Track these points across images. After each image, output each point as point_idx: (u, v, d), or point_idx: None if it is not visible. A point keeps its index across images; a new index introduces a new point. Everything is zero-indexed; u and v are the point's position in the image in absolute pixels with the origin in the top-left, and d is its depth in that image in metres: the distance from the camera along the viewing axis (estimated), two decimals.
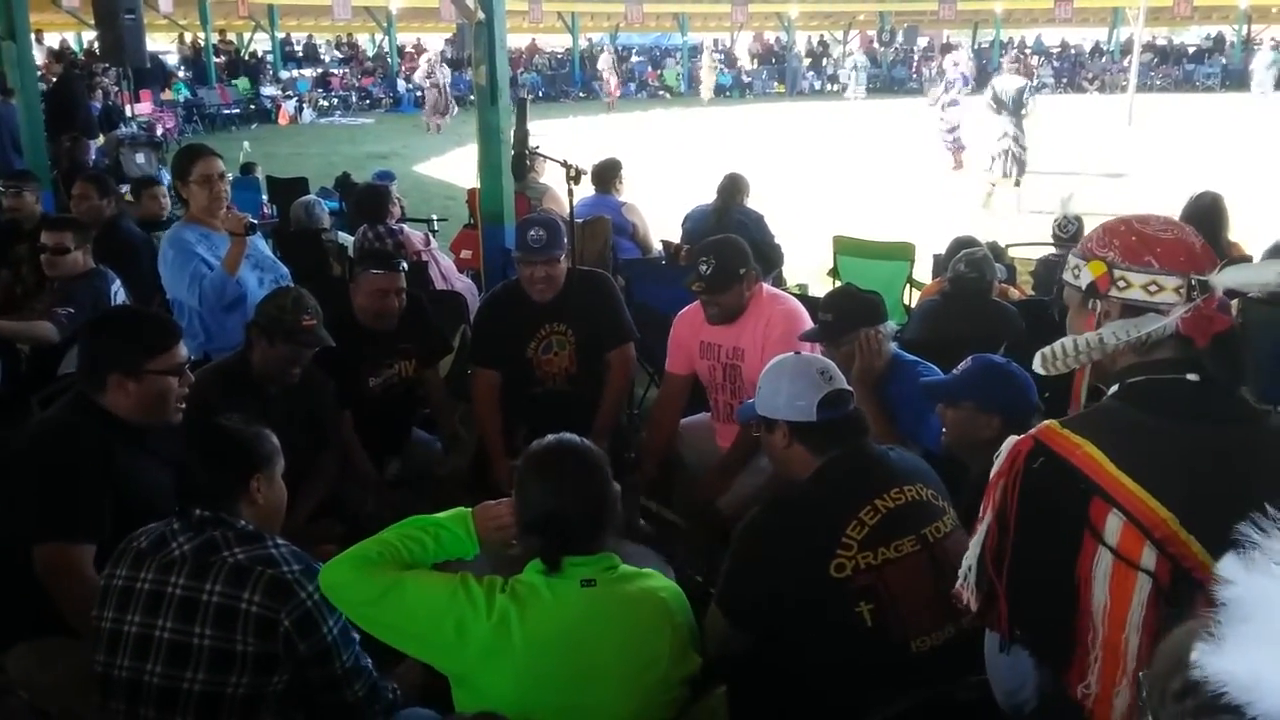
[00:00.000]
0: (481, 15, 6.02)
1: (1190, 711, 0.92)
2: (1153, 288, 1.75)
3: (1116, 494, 1.66)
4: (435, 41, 36.46)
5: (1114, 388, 1.84)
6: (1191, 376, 1.75)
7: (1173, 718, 0.94)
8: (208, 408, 2.91)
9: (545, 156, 5.19)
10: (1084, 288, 1.82)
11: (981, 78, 19.17)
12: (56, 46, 25.15)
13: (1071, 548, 1.70)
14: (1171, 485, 1.66)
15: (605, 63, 31.48)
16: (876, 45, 36.72)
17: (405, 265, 4.26)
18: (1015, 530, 1.74)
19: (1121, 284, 1.77)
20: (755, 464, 3.74)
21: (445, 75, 24.24)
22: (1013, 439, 1.80)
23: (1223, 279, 1.73)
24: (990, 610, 1.79)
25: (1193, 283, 1.73)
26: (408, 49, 34.95)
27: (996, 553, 1.76)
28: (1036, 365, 1.89)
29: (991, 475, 1.80)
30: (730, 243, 3.95)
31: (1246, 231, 6.62)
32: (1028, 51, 38.35)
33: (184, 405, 2.90)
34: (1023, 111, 12.54)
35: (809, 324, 3.81)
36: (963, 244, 5.09)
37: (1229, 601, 0.89)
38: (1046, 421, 1.79)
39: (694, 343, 4.04)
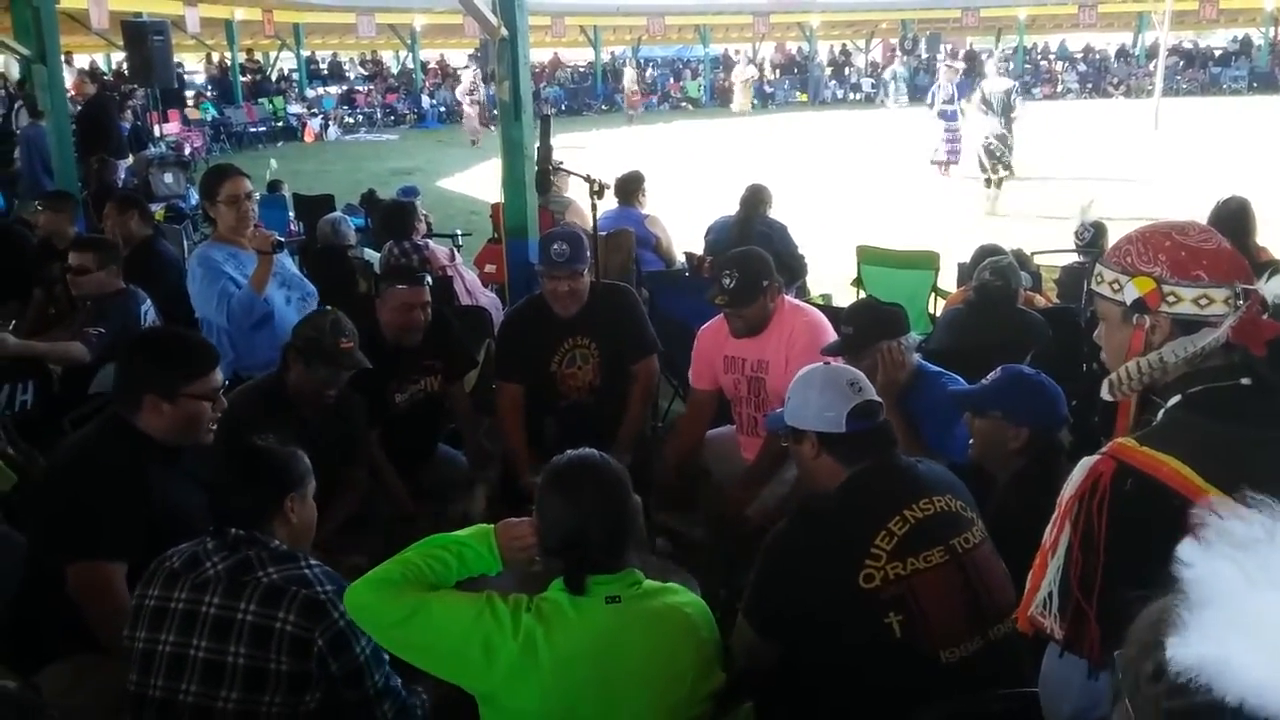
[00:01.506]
0: (505, 32, 6.05)
1: (1164, 694, 0.91)
2: (1203, 301, 1.73)
3: (1207, 505, 1.64)
4: (458, 58, 36.73)
5: (1173, 399, 1.81)
6: (1245, 381, 1.73)
7: (1147, 701, 0.94)
8: (244, 427, 2.93)
9: (569, 172, 5.21)
10: (1129, 303, 1.80)
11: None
12: (86, 67, 25.44)
13: (1169, 565, 1.67)
14: (1253, 489, 1.64)
15: (629, 76, 31.56)
16: (899, 53, 36.61)
17: (430, 280, 4.29)
18: (1106, 552, 1.68)
19: (1171, 299, 1.75)
20: (781, 474, 3.73)
21: (485, 91, 24.41)
22: (1088, 461, 1.75)
23: (1271, 288, 1.72)
24: (1079, 636, 1.72)
25: (1239, 291, 1.72)
26: (431, 65, 35.20)
27: (1084, 577, 1.70)
28: (1104, 393, 1.89)
29: (1066, 497, 1.75)
30: (753, 255, 3.95)
31: (1275, 235, 6.56)
32: (1052, 57, 38.23)
33: (215, 427, 2.93)
34: (1011, 114, 12.65)
35: (832, 335, 3.80)
36: (988, 252, 5.07)
37: (1189, 584, 0.89)
38: (1121, 440, 1.75)
39: (718, 357, 4.04)
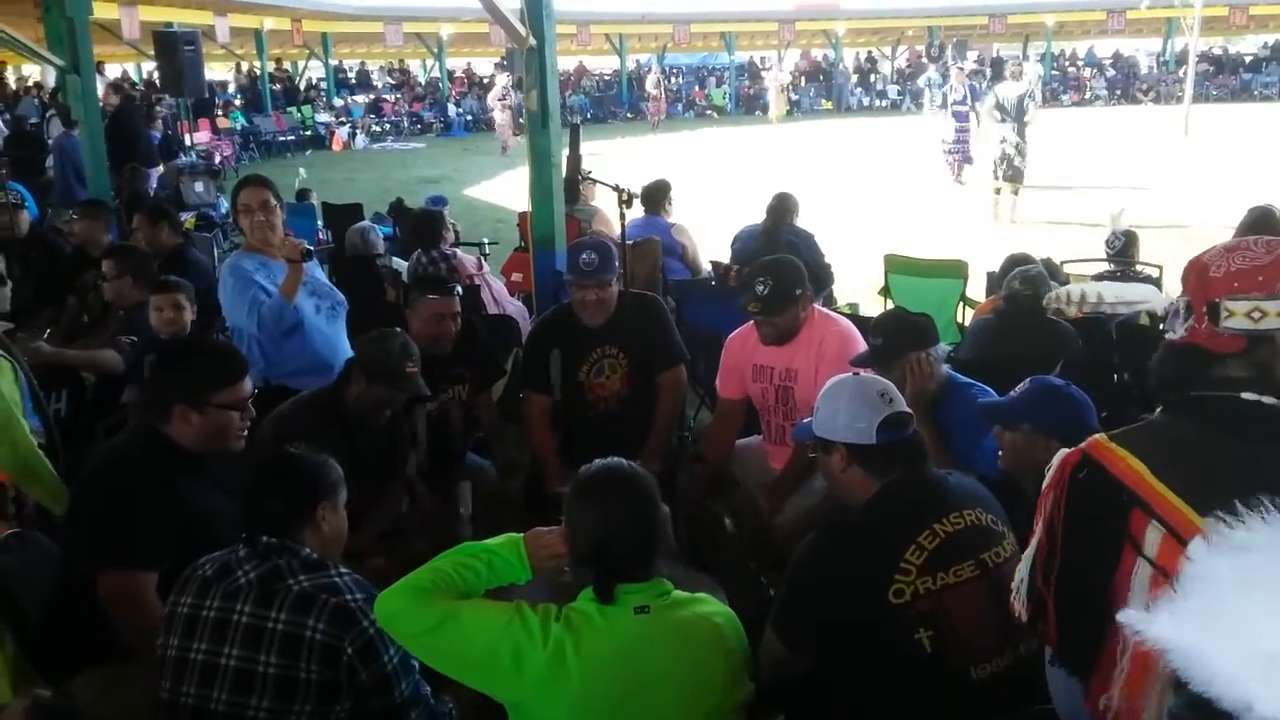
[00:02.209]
0: (533, 41, 6.07)
1: None
2: (1256, 314, 1.73)
3: (1157, 505, 1.65)
4: (485, 66, 36.91)
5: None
6: (1248, 396, 1.72)
7: None
8: (295, 435, 2.96)
9: (598, 181, 5.22)
10: None
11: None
12: (116, 78, 25.73)
13: (1112, 559, 1.70)
14: (1212, 498, 1.63)
15: (652, 83, 31.62)
16: (925, 60, 36.48)
17: (460, 290, 4.30)
18: (1061, 541, 1.76)
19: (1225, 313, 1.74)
20: (809, 485, 3.72)
21: (516, 97, 24.51)
22: (1063, 451, 1.82)
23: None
24: (1040, 623, 1.82)
25: None
26: (457, 74, 35.39)
27: (1046, 565, 1.79)
28: None
29: (1043, 487, 1.82)
30: (786, 263, 3.96)
31: None
32: (1080, 63, 37.98)
33: (245, 435, 2.95)
34: (1025, 119, 12.61)
35: (862, 345, 3.79)
36: (1017, 261, 5.04)
37: (1186, 577, 0.90)
38: (1096, 435, 1.80)
39: (746, 365, 4.04)
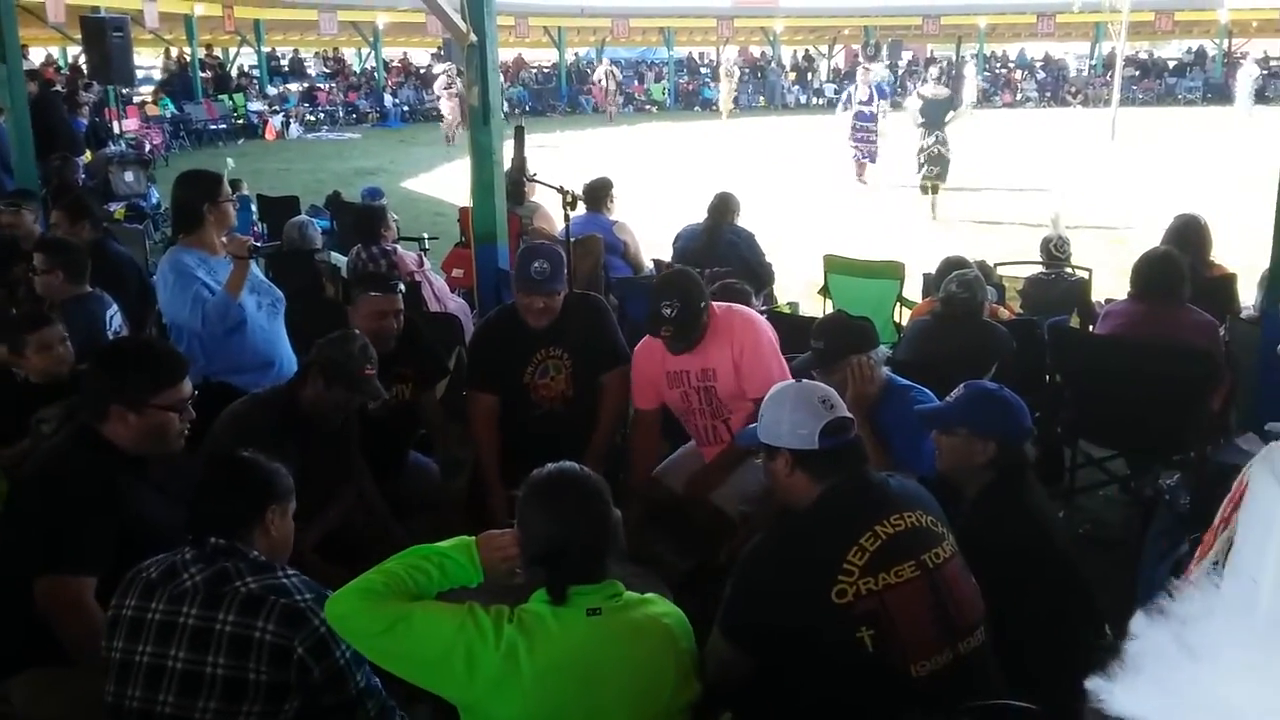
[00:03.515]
0: (474, 37, 6.05)
1: None
2: None
3: None
4: (421, 56, 36.54)
5: None
6: None
7: None
8: (249, 436, 2.93)
9: (543, 183, 5.22)
10: None
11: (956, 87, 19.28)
12: (39, 63, 25.03)
13: None
14: None
15: (602, 74, 31.61)
16: (860, 60, 36.87)
17: (402, 286, 4.28)
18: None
19: None
20: (744, 489, 3.76)
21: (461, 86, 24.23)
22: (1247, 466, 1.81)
23: None
24: None
25: None
26: (394, 64, 35.00)
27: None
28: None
29: (1227, 501, 1.80)
30: (688, 279, 3.88)
31: (1229, 246, 6.71)
32: (1011, 65, 38.68)
33: (186, 436, 2.91)
34: (949, 117, 12.97)
35: (764, 323, 3.87)
36: (953, 264, 5.14)
37: (1131, 655, 0.93)
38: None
39: (659, 373, 4.00)
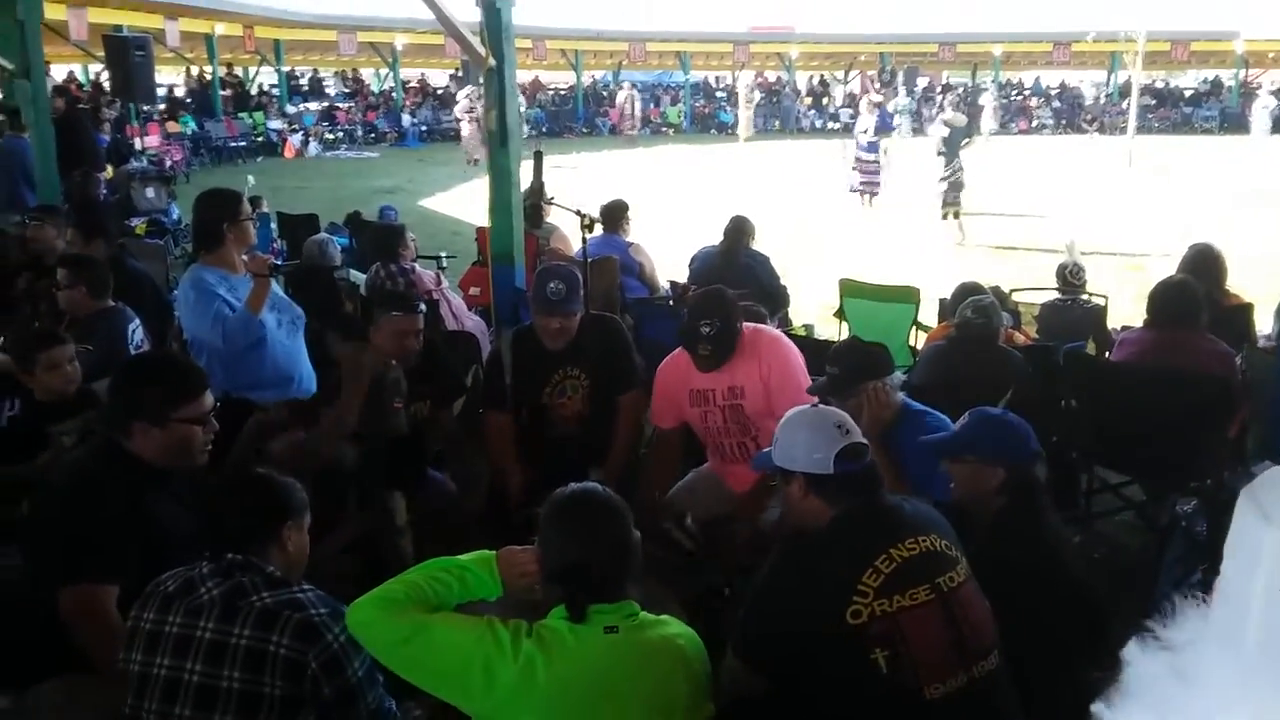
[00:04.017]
0: (492, 61, 6.10)
1: None
2: None
3: None
4: (440, 77, 36.80)
5: None
6: None
7: None
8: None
9: (561, 206, 5.26)
10: None
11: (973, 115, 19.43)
12: (61, 80, 25.30)
13: None
14: None
15: (624, 98, 31.81)
16: (876, 85, 37.01)
17: (424, 307, 4.32)
18: None
19: None
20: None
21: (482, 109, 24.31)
22: None
23: None
24: None
25: None
26: (411, 84, 35.26)
27: None
28: None
29: None
30: (726, 300, 3.93)
31: (1245, 274, 6.70)
32: (1026, 92, 38.75)
33: (208, 450, 2.95)
34: (964, 142, 13.12)
35: (790, 346, 3.91)
36: (969, 290, 5.15)
37: (1129, 679, 0.94)
38: None
39: (683, 392, 4.02)
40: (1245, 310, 5.41)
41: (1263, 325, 5.57)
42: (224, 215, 4.32)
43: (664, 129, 35.34)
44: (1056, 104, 37.44)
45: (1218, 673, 0.90)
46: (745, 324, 4.02)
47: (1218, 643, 0.92)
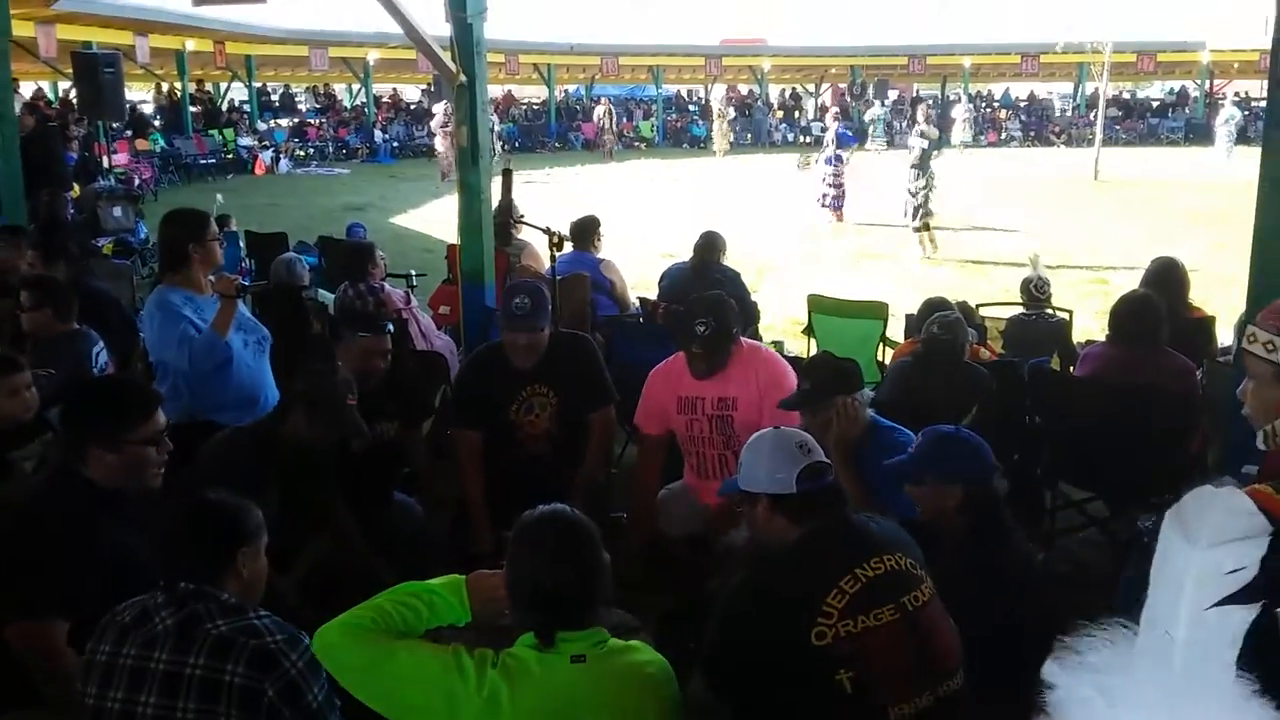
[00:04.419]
0: (463, 78, 6.11)
1: None
2: None
3: None
4: (412, 92, 36.76)
5: None
6: None
7: None
8: (228, 472, 2.92)
9: (531, 225, 5.27)
10: None
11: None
12: (29, 96, 25.07)
13: None
14: None
15: (601, 113, 31.87)
16: (848, 98, 37.26)
17: (391, 326, 4.31)
18: None
19: None
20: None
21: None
22: None
23: None
24: None
25: None
26: (384, 100, 35.19)
27: None
28: (1260, 443, 2.03)
29: None
30: (724, 303, 4.05)
31: (1208, 288, 6.77)
32: (996, 105, 39.11)
33: (162, 471, 2.92)
34: (935, 155, 13.27)
35: (788, 369, 3.95)
36: (935, 306, 5.19)
37: (1053, 704, 0.95)
38: (1256, 486, 1.87)
39: (670, 399, 4.08)
40: (1207, 324, 5.48)
41: (1225, 338, 5.64)
42: (189, 236, 4.29)
43: (636, 143, 35.40)
44: (1024, 116, 37.81)
45: (1144, 693, 0.91)
46: (743, 339, 4.13)
47: (1144, 662, 0.93)
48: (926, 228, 13.19)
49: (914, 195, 13.15)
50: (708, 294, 4.21)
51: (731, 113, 33.58)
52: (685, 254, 7.09)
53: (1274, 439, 2.00)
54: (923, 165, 13.06)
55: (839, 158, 15.77)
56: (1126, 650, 0.94)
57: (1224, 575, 0.94)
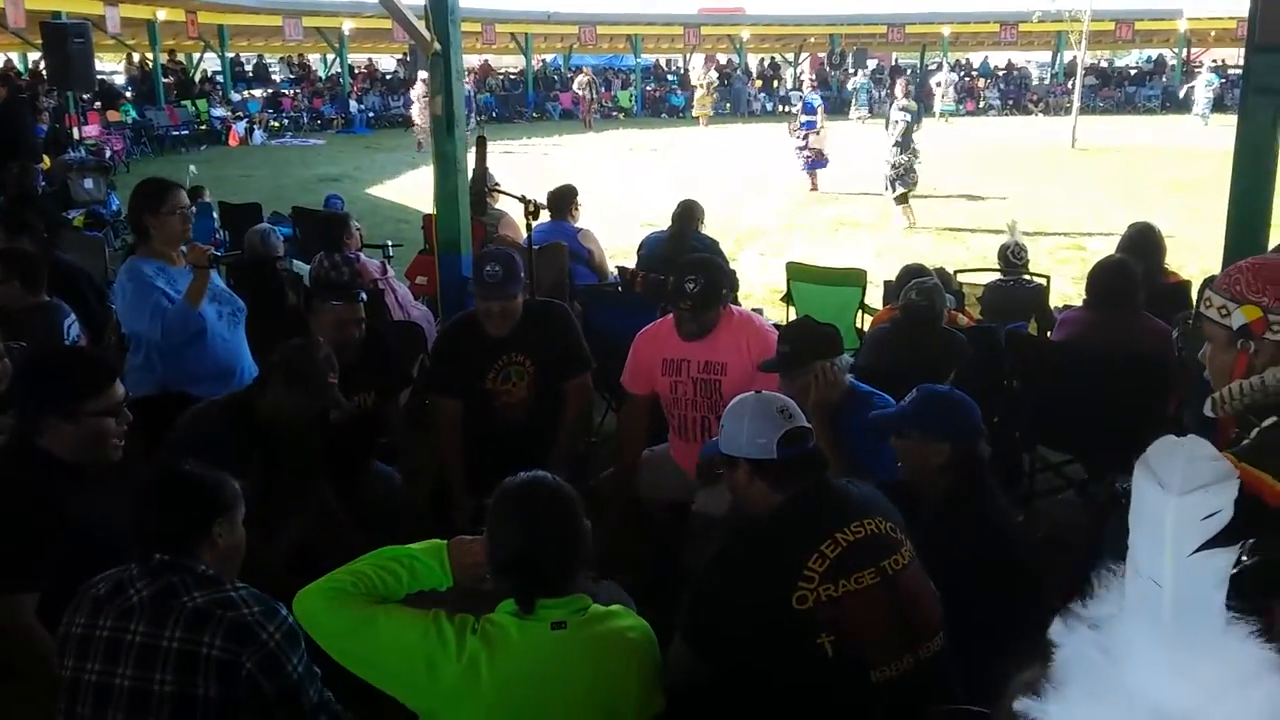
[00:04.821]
0: (438, 46, 6.04)
1: None
2: None
3: None
4: (388, 62, 36.40)
5: (1270, 420, 1.94)
6: None
7: None
8: (211, 442, 2.87)
9: (505, 193, 5.23)
10: (1235, 328, 1.95)
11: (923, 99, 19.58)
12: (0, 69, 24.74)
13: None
14: None
15: (581, 84, 31.66)
16: (826, 67, 37.14)
17: (364, 295, 4.27)
18: None
19: (1277, 328, 1.91)
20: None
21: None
22: None
23: None
24: None
25: None
26: (359, 70, 34.83)
27: None
28: (1207, 410, 2.02)
29: None
30: (713, 263, 4.10)
31: (1186, 253, 6.79)
32: (974, 73, 39.08)
33: (122, 443, 2.88)
34: (915, 127, 13.23)
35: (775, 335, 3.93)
36: (913, 273, 5.19)
37: (1057, 663, 0.94)
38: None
39: (656, 360, 4.08)
40: (1184, 288, 5.50)
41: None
42: (145, 207, 4.22)
43: (614, 113, 35.20)
44: (1003, 85, 37.80)
45: (1140, 645, 0.90)
46: (735, 308, 4.14)
47: (1136, 615, 0.92)
48: (905, 199, 13.17)
49: (894, 168, 13.11)
50: (697, 255, 4.21)
51: (715, 79, 33.42)
52: (664, 223, 7.06)
53: (1223, 406, 1.99)
54: (905, 140, 13.01)
55: (812, 123, 15.75)
56: (1119, 602, 0.93)
57: (1201, 521, 0.94)
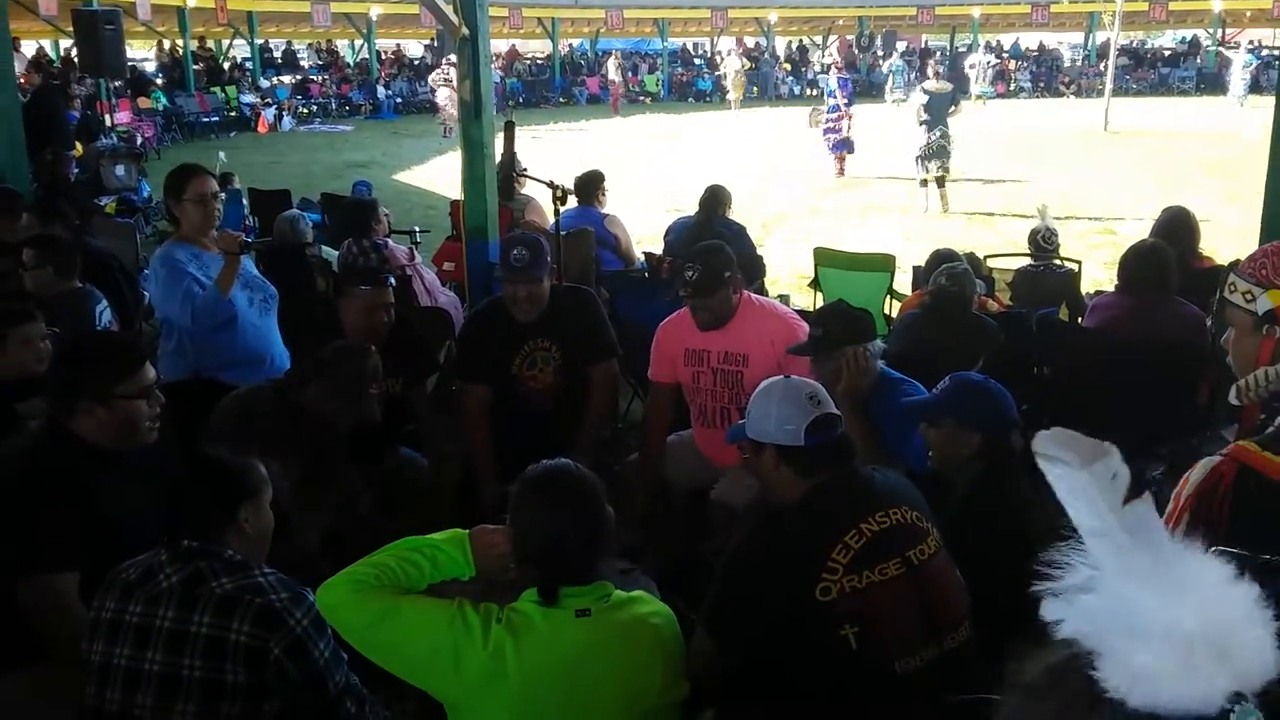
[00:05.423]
0: (466, 30, 6.04)
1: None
2: None
3: None
4: (415, 48, 36.45)
5: None
6: None
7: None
8: (255, 423, 2.90)
9: (533, 178, 5.22)
10: (1260, 314, 1.92)
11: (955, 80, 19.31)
12: (33, 54, 24.93)
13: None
14: None
15: (613, 69, 31.57)
16: (855, 50, 36.84)
17: (393, 280, 4.28)
18: (1227, 542, 1.75)
19: None
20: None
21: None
22: (1210, 461, 1.86)
23: None
24: None
25: None
26: (386, 55, 34.88)
27: None
28: (1232, 398, 2.00)
29: (1187, 492, 1.85)
30: (713, 248, 4.03)
31: (1221, 237, 6.70)
32: (1005, 55, 38.66)
33: (157, 425, 2.90)
34: (951, 110, 12.97)
35: (803, 325, 3.90)
36: (943, 257, 5.14)
37: (1076, 633, 0.93)
38: (1242, 444, 1.85)
39: (678, 350, 4.06)
40: (1218, 273, 5.42)
41: None
42: (169, 194, 4.30)
43: (641, 98, 35.10)
44: (1034, 67, 37.38)
45: (1127, 585, 0.89)
46: (754, 296, 4.10)
47: (1109, 566, 0.92)
48: (941, 182, 12.99)
49: (924, 148, 12.93)
50: (703, 244, 4.18)
51: (747, 63, 33.23)
52: (691, 208, 7.04)
53: (1247, 394, 1.95)
54: (932, 120, 12.79)
55: (836, 107, 15.64)
56: (1093, 562, 0.93)
57: (1113, 481, 0.95)
